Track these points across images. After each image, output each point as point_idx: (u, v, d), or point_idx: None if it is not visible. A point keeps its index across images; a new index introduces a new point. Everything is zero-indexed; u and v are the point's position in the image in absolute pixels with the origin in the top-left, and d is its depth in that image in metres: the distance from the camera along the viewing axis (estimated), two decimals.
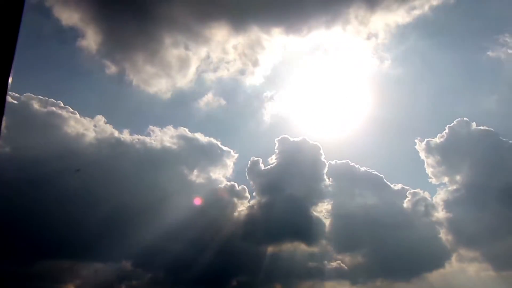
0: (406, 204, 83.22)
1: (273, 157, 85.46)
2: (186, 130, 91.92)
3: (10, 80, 4.98)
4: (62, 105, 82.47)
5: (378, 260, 77.87)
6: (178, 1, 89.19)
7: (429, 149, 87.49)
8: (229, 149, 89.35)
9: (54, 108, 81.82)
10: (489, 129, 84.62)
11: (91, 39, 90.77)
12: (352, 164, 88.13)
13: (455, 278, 78.40)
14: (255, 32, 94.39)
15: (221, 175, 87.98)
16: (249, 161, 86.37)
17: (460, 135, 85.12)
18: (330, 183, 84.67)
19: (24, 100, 78.43)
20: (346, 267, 78.64)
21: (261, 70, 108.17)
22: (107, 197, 72.22)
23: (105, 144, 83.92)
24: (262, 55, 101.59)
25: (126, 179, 77.41)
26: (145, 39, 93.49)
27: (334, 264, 78.20)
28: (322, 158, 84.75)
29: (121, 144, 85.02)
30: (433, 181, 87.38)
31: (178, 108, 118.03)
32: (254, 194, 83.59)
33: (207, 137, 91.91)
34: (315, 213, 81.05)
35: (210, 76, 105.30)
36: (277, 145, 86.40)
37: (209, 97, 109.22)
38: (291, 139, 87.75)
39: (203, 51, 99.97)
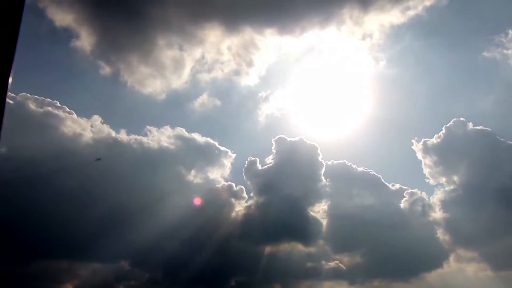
0: (404, 204, 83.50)
1: (271, 157, 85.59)
2: (183, 130, 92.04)
3: (10, 80, 4.94)
4: (58, 104, 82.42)
5: (376, 260, 78.07)
6: (171, 2, 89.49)
7: (426, 150, 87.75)
8: (226, 149, 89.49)
9: (50, 108, 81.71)
10: (486, 129, 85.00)
11: (85, 40, 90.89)
12: (349, 164, 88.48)
13: (453, 278, 78.67)
14: (248, 33, 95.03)
15: (219, 175, 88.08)
16: (246, 161, 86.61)
17: (457, 135, 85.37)
18: (327, 183, 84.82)
19: (20, 100, 78.23)
20: (344, 267, 78.86)
21: (255, 70, 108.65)
22: (105, 197, 72.17)
23: (102, 144, 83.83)
24: (256, 55, 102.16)
25: (124, 179, 77.32)
26: (139, 40, 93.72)
27: (332, 264, 78.41)
28: (320, 158, 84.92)
29: (118, 144, 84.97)
30: (431, 181, 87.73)
31: (173, 108, 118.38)
32: (251, 194, 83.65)
33: (205, 137, 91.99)
34: (312, 213, 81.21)
35: (205, 77, 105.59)
36: (274, 145, 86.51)
37: (204, 98, 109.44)
38: (288, 139, 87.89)
39: (197, 52, 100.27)
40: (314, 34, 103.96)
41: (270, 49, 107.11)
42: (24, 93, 78.88)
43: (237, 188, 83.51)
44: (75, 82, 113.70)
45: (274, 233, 77.82)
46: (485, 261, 77.06)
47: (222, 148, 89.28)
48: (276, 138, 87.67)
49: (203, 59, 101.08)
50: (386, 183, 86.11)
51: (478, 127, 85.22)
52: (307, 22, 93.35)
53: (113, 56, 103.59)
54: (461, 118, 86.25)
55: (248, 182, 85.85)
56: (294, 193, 79.41)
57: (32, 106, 79.45)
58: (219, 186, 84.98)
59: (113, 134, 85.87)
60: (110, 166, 78.22)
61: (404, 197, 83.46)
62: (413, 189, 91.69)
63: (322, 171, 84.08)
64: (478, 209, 76.96)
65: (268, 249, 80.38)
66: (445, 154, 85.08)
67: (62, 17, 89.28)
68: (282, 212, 77.39)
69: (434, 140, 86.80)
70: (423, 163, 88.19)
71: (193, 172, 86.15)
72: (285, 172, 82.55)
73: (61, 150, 76.29)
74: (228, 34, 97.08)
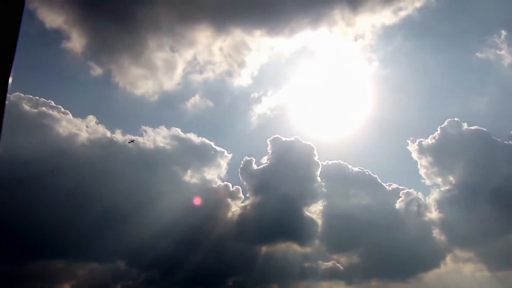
0: (400, 204, 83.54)
1: (266, 157, 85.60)
2: (179, 130, 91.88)
3: (10, 80, 4.94)
4: (53, 104, 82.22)
5: (373, 260, 78.20)
6: (160, 4, 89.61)
7: (422, 150, 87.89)
8: (222, 149, 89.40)
9: (45, 108, 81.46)
10: (482, 128, 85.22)
11: (76, 41, 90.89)
12: (344, 164, 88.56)
13: (451, 278, 78.98)
14: (238, 34, 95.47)
15: (215, 175, 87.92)
16: (241, 161, 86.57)
17: (452, 135, 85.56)
18: (323, 183, 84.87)
19: (14, 100, 77.83)
20: (341, 267, 78.97)
21: (248, 71, 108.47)
22: (102, 197, 72.16)
23: (98, 144, 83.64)
24: (248, 56, 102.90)
25: (121, 179, 77.13)
26: (130, 42, 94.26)
27: (329, 264, 78.49)
28: (316, 158, 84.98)
29: (114, 144, 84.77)
30: (427, 182, 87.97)
31: (166, 109, 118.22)
32: (247, 195, 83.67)
33: (200, 138, 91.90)
34: (309, 214, 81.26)
35: (197, 78, 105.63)
36: (269, 145, 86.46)
37: (196, 98, 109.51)
38: (283, 139, 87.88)
39: (188, 53, 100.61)
40: (306, 35, 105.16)
41: (262, 50, 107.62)
42: (18, 93, 78.57)
43: (234, 188, 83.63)
44: (67, 83, 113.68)
45: (271, 233, 77.96)
46: (481, 261, 77.60)
47: (218, 148, 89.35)
48: (271, 138, 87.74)
49: (195, 60, 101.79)
50: (382, 183, 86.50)
51: (472, 127, 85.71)
52: (296, 23, 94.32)
53: (104, 58, 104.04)
54: (456, 119, 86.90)
55: (244, 182, 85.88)
56: (290, 193, 79.51)
57: (26, 106, 79.18)
58: (215, 186, 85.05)
59: (108, 134, 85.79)
60: (106, 166, 78.18)
61: (400, 197, 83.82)
62: (410, 189, 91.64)
63: (318, 171, 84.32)
64: (474, 209, 77.25)
65: (265, 249, 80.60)
66: (440, 155, 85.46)
67: (53, 19, 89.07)
68: (278, 212, 77.49)
69: (429, 140, 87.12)
70: (419, 163, 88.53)
71: (189, 172, 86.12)
72: (281, 172, 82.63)
73: (57, 150, 76.15)
74: (218, 35, 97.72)
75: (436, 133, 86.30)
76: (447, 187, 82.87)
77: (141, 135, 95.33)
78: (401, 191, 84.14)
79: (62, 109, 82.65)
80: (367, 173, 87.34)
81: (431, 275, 78.71)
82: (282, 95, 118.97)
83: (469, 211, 77.71)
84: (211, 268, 73.77)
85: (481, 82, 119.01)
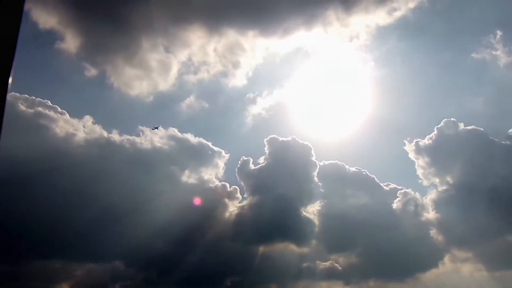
0: (398, 204, 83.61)
1: (264, 157, 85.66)
2: (176, 130, 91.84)
3: (10, 80, 4.94)
4: (49, 103, 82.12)
5: (371, 260, 78.26)
6: (153, 4, 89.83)
7: (419, 150, 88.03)
8: (220, 149, 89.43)
9: (41, 108, 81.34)
10: (478, 128, 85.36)
11: (70, 42, 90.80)
12: (341, 164, 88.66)
13: (449, 278, 79.07)
14: (231, 35, 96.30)
15: (213, 175, 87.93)
16: (238, 161, 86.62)
17: (448, 135, 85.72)
18: (321, 183, 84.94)
19: (9, 99, 77.43)
20: (339, 267, 79.08)
21: (242, 72, 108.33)
22: (100, 197, 72.11)
23: (95, 144, 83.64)
24: (243, 57, 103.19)
25: (118, 179, 77.13)
26: (124, 42, 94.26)
27: (327, 264, 78.58)
28: (313, 158, 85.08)
29: (111, 144, 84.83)
30: (424, 182, 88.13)
31: (161, 110, 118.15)
32: (245, 195, 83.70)
33: (197, 138, 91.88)
34: (306, 214, 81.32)
35: (192, 79, 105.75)
36: (266, 145, 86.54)
37: (191, 99, 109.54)
38: (280, 139, 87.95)
39: (183, 54, 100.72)
40: (301, 36, 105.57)
41: (256, 51, 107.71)
42: (13, 93, 78.27)
43: (231, 188, 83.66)
44: (62, 83, 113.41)
45: (268, 233, 78.08)
46: (480, 262, 77.74)
47: (215, 148, 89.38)
48: (268, 138, 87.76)
49: (189, 61, 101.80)
50: (380, 183, 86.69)
51: (469, 127, 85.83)
52: (289, 23, 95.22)
53: (98, 58, 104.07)
54: (452, 119, 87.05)
55: (241, 182, 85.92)
56: (288, 193, 79.64)
57: (22, 106, 78.97)
58: (213, 186, 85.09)
59: (105, 134, 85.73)
60: (104, 166, 78.14)
61: (398, 197, 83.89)
62: (407, 189, 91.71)
63: (316, 171, 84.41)
64: (472, 209, 77.24)
65: (262, 249, 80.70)
66: (437, 155, 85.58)
67: (47, 20, 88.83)
68: (275, 212, 77.59)
69: (426, 141, 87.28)
70: (416, 164, 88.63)
71: (187, 172, 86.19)
72: (279, 172, 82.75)
73: (54, 150, 76.09)
74: (212, 36, 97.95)
75: (433, 133, 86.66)
76: (444, 187, 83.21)
77: (138, 135, 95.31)
78: (399, 191, 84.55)
79: (59, 109, 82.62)
80: (364, 173, 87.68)
81: (429, 275, 78.93)
82: (277, 95, 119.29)
83: (467, 211, 77.87)
84: (209, 268, 73.95)
85: (477, 83, 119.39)
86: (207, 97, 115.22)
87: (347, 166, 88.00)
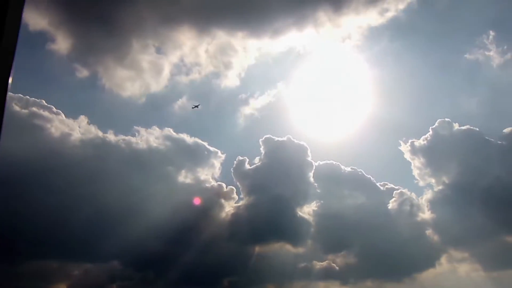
0: (394, 204, 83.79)
1: (260, 157, 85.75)
2: (171, 130, 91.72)
3: (10, 80, 4.95)
4: (44, 103, 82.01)
5: (369, 260, 78.39)
6: (142, 5, 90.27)
7: (414, 151, 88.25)
8: (216, 150, 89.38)
9: (35, 108, 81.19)
10: (474, 128, 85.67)
11: (61, 43, 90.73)
12: (336, 163, 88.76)
13: (446, 278, 79.34)
14: (220, 36, 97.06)
15: (209, 175, 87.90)
16: (234, 162, 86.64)
17: (444, 135, 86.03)
18: (316, 183, 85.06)
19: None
20: (336, 267, 79.20)
21: (235, 72, 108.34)
22: (98, 197, 72.29)
23: (91, 144, 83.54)
24: (235, 58, 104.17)
25: (115, 179, 77.31)
26: (115, 43, 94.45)
27: (324, 264, 78.68)
28: (309, 158, 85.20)
29: (107, 145, 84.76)
30: (420, 183, 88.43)
31: (155, 111, 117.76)
32: (241, 196, 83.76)
33: (193, 138, 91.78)
34: (301, 214, 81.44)
35: (184, 80, 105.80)
36: (262, 145, 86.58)
37: (184, 100, 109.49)
38: (276, 139, 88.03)
39: (174, 55, 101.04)
40: (292, 36, 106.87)
41: (248, 51, 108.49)
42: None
43: (228, 188, 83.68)
44: (54, 84, 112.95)
45: (265, 233, 78.23)
46: (477, 262, 78.13)
47: (212, 148, 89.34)
48: (263, 138, 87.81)
49: (181, 62, 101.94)
50: (376, 183, 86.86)
51: (463, 127, 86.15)
52: (279, 24, 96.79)
53: (90, 59, 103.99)
54: (447, 119, 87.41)
55: (238, 183, 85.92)
56: (284, 193, 79.71)
57: (16, 106, 78.72)
58: (209, 186, 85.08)
59: (101, 134, 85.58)
60: (100, 166, 78.08)
61: (393, 197, 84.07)
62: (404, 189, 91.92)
63: (312, 172, 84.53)
64: (468, 209, 77.64)
65: (259, 249, 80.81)
66: (433, 155, 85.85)
67: (37, 21, 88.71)
68: (271, 213, 77.73)
69: (421, 141, 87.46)
70: (412, 164, 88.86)
71: (183, 172, 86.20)
72: (274, 172, 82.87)
73: (49, 151, 76.12)
74: (201, 37, 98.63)
75: (428, 134, 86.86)
76: (440, 187, 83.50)
77: (133, 135, 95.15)
78: (395, 191, 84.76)
79: (54, 109, 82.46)
80: (360, 173, 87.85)
81: (426, 275, 79.23)
82: (270, 96, 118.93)
83: (463, 211, 78.32)
84: (206, 268, 74.06)
85: (470, 83, 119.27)
86: (201, 98, 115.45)
87: (342, 166, 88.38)
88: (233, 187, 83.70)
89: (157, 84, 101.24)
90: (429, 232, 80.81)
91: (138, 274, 75.22)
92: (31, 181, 69.37)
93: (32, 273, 72.22)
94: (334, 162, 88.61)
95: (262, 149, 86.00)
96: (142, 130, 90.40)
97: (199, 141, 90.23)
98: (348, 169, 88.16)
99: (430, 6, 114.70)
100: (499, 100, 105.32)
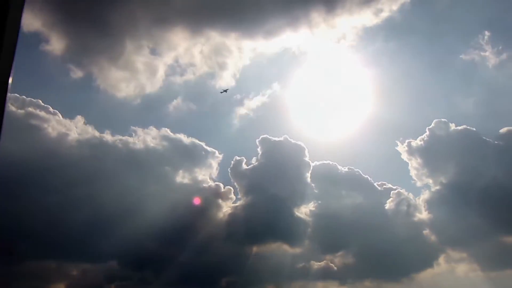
0: (391, 204, 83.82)
1: (256, 157, 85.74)
2: (168, 130, 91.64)
3: (10, 80, 5.00)
4: (41, 103, 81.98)
5: (367, 260, 78.36)
6: (136, 6, 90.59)
7: (411, 151, 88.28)
8: (214, 150, 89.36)
9: (31, 108, 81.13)
10: (471, 128, 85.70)
11: (55, 44, 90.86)
12: (333, 164, 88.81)
13: (444, 278, 79.55)
14: (213, 36, 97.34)
15: (207, 176, 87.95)
16: (231, 162, 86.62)
17: (440, 136, 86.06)
18: (314, 184, 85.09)
19: None
20: (335, 267, 79.30)
21: (230, 73, 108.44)
22: (97, 197, 72.35)
23: (88, 145, 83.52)
24: (230, 58, 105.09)
25: (113, 179, 77.33)
26: (108, 44, 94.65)
27: (322, 264, 78.77)
28: (306, 158, 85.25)
29: (104, 145, 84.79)
30: (417, 183, 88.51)
31: (149, 112, 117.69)
32: (239, 196, 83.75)
33: (190, 138, 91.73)
34: (299, 214, 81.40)
35: (179, 81, 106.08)
36: (259, 146, 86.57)
37: (179, 101, 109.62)
38: (272, 139, 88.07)
39: (169, 56, 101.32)
40: (287, 37, 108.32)
41: (243, 52, 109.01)
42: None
43: (225, 188, 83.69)
44: (49, 85, 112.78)
45: (262, 233, 78.24)
46: (475, 262, 78.22)
47: (209, 148, 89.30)
48: (260, 138, 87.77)
49: (176, 63, 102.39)
50: (373, 183, 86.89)
51: (460, 127, 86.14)
52: (272, 25, 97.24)
53: (84, 60, 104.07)
54: (443, 119, 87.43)
55: (235, 183, 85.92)
56: (281, 193, 79.74)
57: (12, 106, 78.58)
58: (207, 186, 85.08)
59: (97, 134, 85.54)
60: (97, 167, 78.11)
61: (391, 197, 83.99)
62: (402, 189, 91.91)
63: (309, 172, 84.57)
64: (465, 209, 77.59)
65: (257, 249, 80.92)
66: (430, 156, 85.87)
67: (31, 22, 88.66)
68: (269, 213, 77.78)
69: (418, 141, 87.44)
70: (409, 165, 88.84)
71: (181, 172, 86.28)
72: (271, 172, 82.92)
73: (47, 151, 76.09)
74: (194, 38, 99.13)
75: (425, 134, 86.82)
76: (438, 188, 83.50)
77: (130, 135, 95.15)
78: (392, 191, 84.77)
79: (51, 109, 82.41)
80: (357, 173, 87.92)
81: (424, 275, 79.35)
82: (266, 96, 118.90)
83: (460, 211, 78.26)
84: (204, 268, 74.13)
85: (466, 84, 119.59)
86: (196, 98, 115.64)
87: (339, 166, 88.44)
88: (231, 187, 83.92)
89: (152, 85, 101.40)
90: (426, 232, 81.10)
91: (136, 274, 75.53)
92: (29, 181, 69.47)
93: (30, 273, 72.29)
94: (331, 162, 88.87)
95: (259, 149, 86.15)
96: (139, 130, 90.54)
97: (196, 141, 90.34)
98: (345, 169, 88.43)
99: (425, 6, 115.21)
100: (495, 100, 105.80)
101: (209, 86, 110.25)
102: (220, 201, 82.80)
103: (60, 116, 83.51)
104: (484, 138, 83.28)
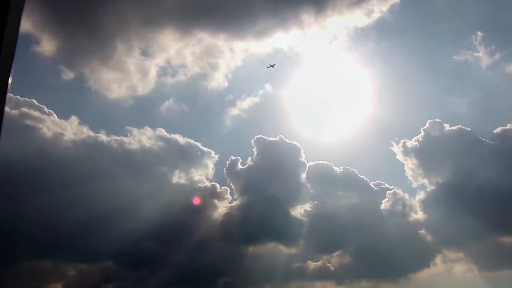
0: (387, 204, 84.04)
1: (252, 157, 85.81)
2: (163, 131, 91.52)
3: (10, 80, 5.05)
4: (35, 102, 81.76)
5: (364, 260, 78.51)
6: (125, 7, 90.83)
7: (406, 152, 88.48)
8: (209, 150, 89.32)
9: (25, 108, 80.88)
10: (465, 128, 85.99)
11: (46, 46, 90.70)
12: (328, 164, 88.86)
13: (441, 278, 79.61)
14: (203, 37, 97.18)
15: (203, 176, 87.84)
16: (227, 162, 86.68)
17: (435, 136, 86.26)
18: (310, 184, 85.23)
19: None
20: (331, 267, 79.46)
21: (222, 73, 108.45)
22: (97, 197, 72.27)
23: (83, 145, 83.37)
24: (221, 59, 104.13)
25: (109, 179, 77.31)
26: (99, 45, 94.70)
27: (318, 264, 78.93)
28: (302, 158, 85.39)
29: (99, 145, 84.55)
30: (413, 184, 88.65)
31: (142, 112, 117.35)
32: (235, 196, 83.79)
33: (186, 138, 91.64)
34: (295, 214, 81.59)
35: (170, 82, 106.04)
36: (254, 145, 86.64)
37: (171, 102, 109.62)
38: (267, 139, 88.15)
39: (160, 57, 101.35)
40: (279, 38, 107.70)
41: (235, 53, 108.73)
42: None
43: (221, 189, 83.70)
44: (41, 86, 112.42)
45: (259, 233, 78.37)
46: (472, 262, 78.41)
47: (205, 149, 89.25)
48: (255, 138, 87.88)
49: (167, 64, 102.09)
50: (369, 183, 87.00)
51: (454, 127, 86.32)
52: (261, 26, 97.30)
53: (75, 61, 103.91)
54: (437, 120, 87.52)
55: (231, 183, 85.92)
56: (277, 193, 79.94)
57: (6, 106, 78.14)
58: (203, 186, 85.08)
59: (92, 134, 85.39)
60: (93, 167, 77.96)
61: (387, 197, 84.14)
62: (398, 189, 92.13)
63: (305, 172, 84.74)
64: (461, 209, 77.73)
65: (253, 249, 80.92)
66: (425, 156, 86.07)
67: (22, 23, 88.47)
68: (264, 213, 77.93)
69: (413, 142, 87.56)
70: (405, 166, 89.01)
71: (177, 172, 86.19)
72: (267, 173, 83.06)
73: (42, 151, 75.88)
74: (185, 39, 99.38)
75: (419, 134, 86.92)
76: (433, 188, 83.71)
77: (125, 135, 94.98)
78: (388, 191, 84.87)
79: (46, 109, 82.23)
80: (353, 173, 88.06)
81: (421, 275, 79.34)
82: (259, 97, 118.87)
83: (457, 212, 78.36)
84: (201, 268, 74.15)
85: (460, 84, 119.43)
86: (189, 99, 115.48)
87: (335, 167, 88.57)
88: (227, 188, 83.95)
89: (144, 87, 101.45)
90: (422, 232, 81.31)
91: (133, 274, 75.48)
92: (25, 182, 69.26)
93: (27, 273, 72.12)
94: (326, 163, 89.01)
95: (254, 149, 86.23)
96: (135, 130, 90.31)
97: (192, 141, 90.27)
98: (341, 169, 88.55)
99: (416, 7, 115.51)
100: (488, 101, 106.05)
101: (201, 87, 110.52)
102: (216, 201, 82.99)
103: (55, 116, 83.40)
104: (480, 138, 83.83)
